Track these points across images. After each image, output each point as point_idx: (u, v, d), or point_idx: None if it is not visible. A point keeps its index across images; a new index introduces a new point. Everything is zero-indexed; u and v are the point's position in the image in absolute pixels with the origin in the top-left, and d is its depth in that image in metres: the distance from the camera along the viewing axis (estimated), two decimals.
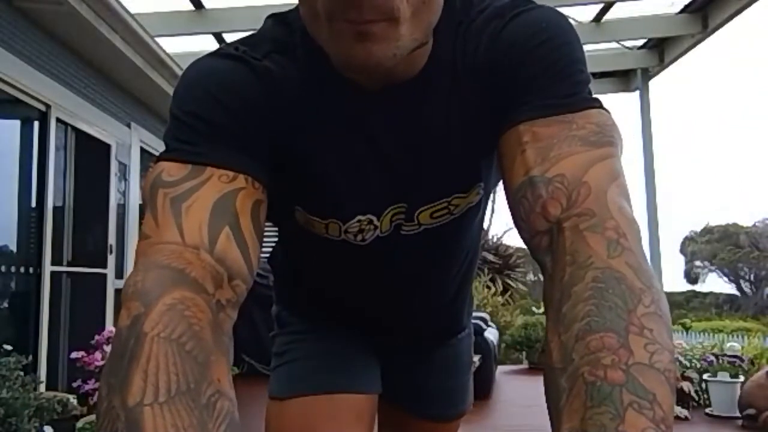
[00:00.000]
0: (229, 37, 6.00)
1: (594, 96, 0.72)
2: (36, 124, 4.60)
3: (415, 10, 0.64)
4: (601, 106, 0.71)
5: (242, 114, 0.71)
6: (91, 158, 5.33)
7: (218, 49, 0.77)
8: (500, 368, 7.60)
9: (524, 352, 8.45)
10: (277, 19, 0.79)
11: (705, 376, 5.07)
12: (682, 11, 6.37)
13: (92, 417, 3.75)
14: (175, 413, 0.50)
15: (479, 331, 5.98)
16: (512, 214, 0.70)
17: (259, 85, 0.73)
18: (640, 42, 7.16)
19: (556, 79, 0.70)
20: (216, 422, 0.52)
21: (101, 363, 3.91)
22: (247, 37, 0.78)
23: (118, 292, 5.50)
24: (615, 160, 0.66)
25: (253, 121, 0.72)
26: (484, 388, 5.70)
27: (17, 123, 4.67)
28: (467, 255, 1.00)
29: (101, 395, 0.53)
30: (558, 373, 0.54)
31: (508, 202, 0.70)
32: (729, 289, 31.77)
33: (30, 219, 4.61)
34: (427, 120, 0.77)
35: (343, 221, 0.82)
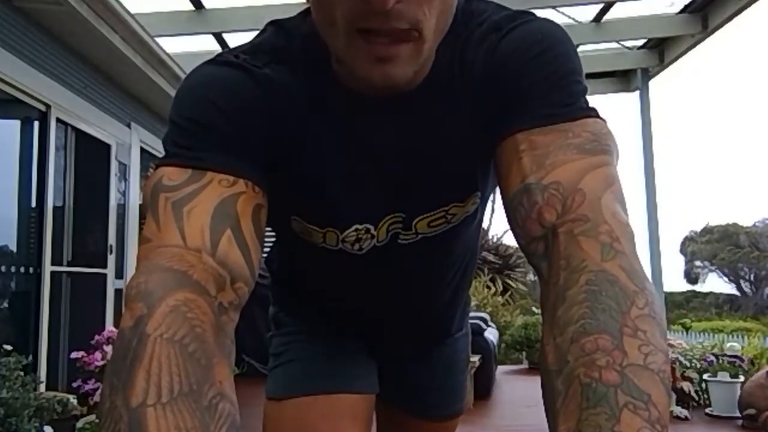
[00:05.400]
0: (229, 37, 6.01)
1: (590, 105, 0.73)
2: (36, 124, 4.59)
3: (437, 20, 0.65)
4: (597, 115, 0.72)
5: (241, 120, 0.71)
6: (91, 158, 5.33)
7: (217, 56, 0.77)
8: (500, 368, 7.60)
9: (524, 352, 8.45)
10: (276, 26, 0.80)
11: (705, 376, 5.07)
12: (682, 11, 6.37)
13: (92, 417, 3.75)
14: (178, 414, 0.50)
15: (479, 331, 5.97)
16: (509, 221, 0.71)
17: (259, 92, 0.73)
18: (640, 42, 7.16)
19: (552, 89, 0.71)
20: (218, 424, 0.53)
21: (101, 363, 3.91)
22: (246, 45, 0.78)
23: (118, 292, 5.51)
24: (610, 168, 0.67)
25: (253, 127, 0.72)
26: (484, 388, 5.70)
27: (17, 123, 4.67)
28: (464, 260, 1.01)
29: (104, 395, 0.54)
30: (554, 376, 0.55)
31: (505, 209, 0.71)
32: (729, 289, 31.75)
33: (30, 219, 4.61)
34: (426, 130, 0.78)
35: (340, 230, 0.82)
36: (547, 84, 0.71)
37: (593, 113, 0.71)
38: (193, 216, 0.64)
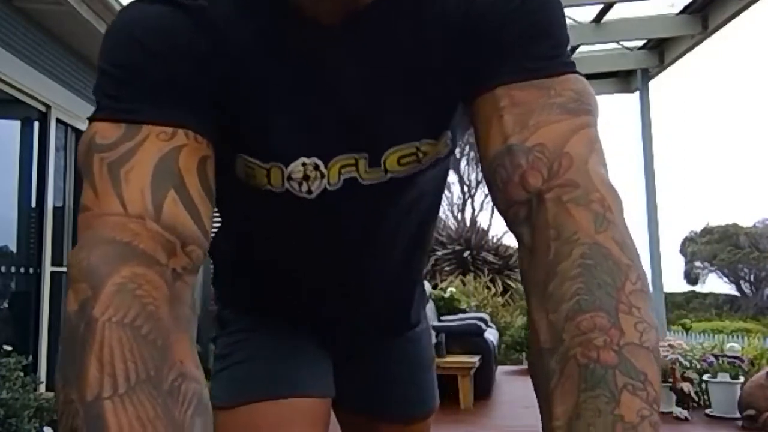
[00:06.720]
0: None
1: (571, 59, 0.70)
2: (36, 124, 4.60)
3: None
4: (577, 72, 0.69)
5: (175, 60, 0.65)
6: None
7: None
8: (500, 368, 7.60)
9: (524, 353, 8.46)
10: None
11: (705, 377, 5.06)
12: (682, 12, 6.37)
13: None
14: (138, 404, 0.48)
15: (479, 332, 5.97)
16: (488, 183, 0.68)
17: (195, 28, 0.66)
18: (640, 42, 7.16)
19: (535, 39, 0.68)
20: (182, 408, 0.50)
21: None
22: None
23: None
24: (593, 129, 0.65)
25: (189, 67, 0.66)
26: (484, 389, 5.70)
27: (17, 123, 4.67)
28: (422, 227, 0.94)
29: (57, 387, 0.51)
30: (547, 354, 0.53)
31: (484, 169, 0.68)
32: (729, 289, 31.68)
33: (30, 219, 4.61)
34: (387, 56, 0.72)
35: (285, 164, 0.74)
36: (529, 35, 0.68)
37: (574, 68, 0.69)
38: (132, 179, 0.59)
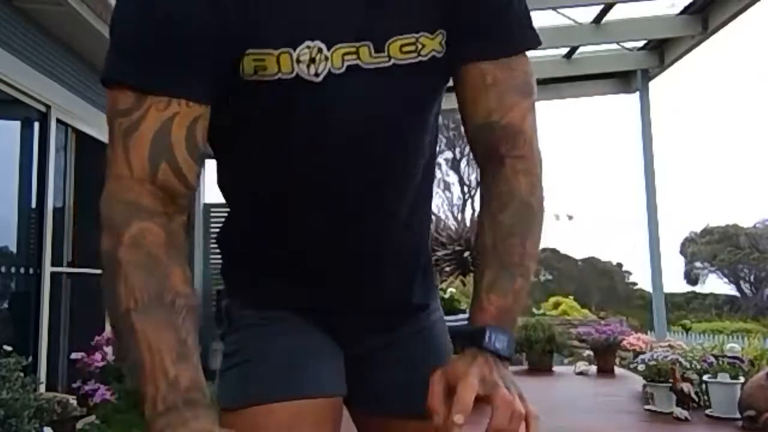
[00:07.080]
0: None
1: (533, 28, 0.92)
2: (36, 124, 4.60)
3: None
4: (538, 39, 0.93)
5: (180, 18, 0.77)
6: (91, 158, 5.33)
7: None
8: None
9: (525, 353, 8.46)
10: None
11: (705, 378, 5.06)
12: (682, 12, 6.38)
13: (92, 418, 3.75)
14: (152, 314, 0.73)
15: None
16: (470, 140, 0.95)
17: None
18: (641, 43, 7.17)
19: (514, 18, 0.90)
20: (177, 315, 0.74)
21: (101, 364, 3.91)
22: None
23: None
24: (534, 108, 0.93)
25: (196, 20, 0.78)
26: None
27: (17, 123, 4.67)
28: (423, 159, 0.98)
29: (105, 300, 0.76)
30: (488, 253, 0.90)
31: (468, 130, 0.94)
32: (729, 290, 31.64)
33: (30, 219, 4.62)
34: None
35: (293, 47, 0.82)
36: (509, 11, 0.89)
37: (535, 34, 0.92)
38: (136, 147, 0.78)
